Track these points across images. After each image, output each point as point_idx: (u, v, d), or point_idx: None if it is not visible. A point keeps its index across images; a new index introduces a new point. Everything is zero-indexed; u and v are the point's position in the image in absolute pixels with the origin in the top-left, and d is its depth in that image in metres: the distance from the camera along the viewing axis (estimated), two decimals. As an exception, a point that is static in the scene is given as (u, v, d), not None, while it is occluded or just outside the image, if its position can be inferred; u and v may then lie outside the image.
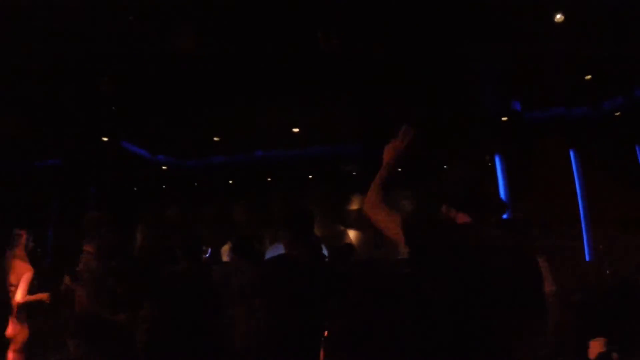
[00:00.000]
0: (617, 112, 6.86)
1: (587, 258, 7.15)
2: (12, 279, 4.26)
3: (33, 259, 4.52)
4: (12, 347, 4.21)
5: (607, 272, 4.95)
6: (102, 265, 3.12)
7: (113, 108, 6.78)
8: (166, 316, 2.66)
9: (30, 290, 4.28)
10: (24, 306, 4.25)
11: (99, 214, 3.28)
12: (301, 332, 2.58)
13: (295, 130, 8.11)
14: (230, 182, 11.32)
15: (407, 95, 6.22)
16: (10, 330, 4.19)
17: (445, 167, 7.64)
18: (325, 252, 5.57)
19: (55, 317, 3.68)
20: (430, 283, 1.69)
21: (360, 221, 10.82)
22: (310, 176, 10.87)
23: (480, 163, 8.12)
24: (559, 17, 4.52)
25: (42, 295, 4.31)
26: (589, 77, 6.02)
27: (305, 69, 5.57)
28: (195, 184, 11.24)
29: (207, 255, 8.00)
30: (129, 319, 3.09)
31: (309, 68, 5.53)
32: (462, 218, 1.74)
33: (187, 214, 11.09)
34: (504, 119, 7.14)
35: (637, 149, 7.20)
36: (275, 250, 6.48)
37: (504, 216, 3.38)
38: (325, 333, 3.31)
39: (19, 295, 4.22)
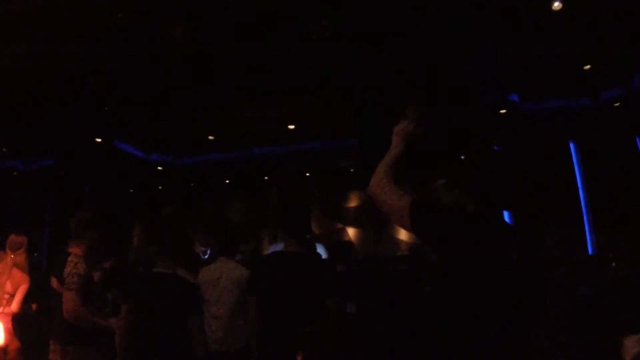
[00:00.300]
0: (616, 102, 6.79)
1: (589, 251, 7.11)
2: (9, 287, 4.17)
3: (30, 263, 4.44)
4: (7, 357, 4.13)
5: (613, 264, 4.89)
6: (90, 268, 3.04)
7: (106, 108, 6.71)
8: (144, 320, 2.60)
9: (26, 298, 4.21)
10: (17, 316, 4.18)
11: (86, 215, 3.18)
12: (289, 328, 2.53)
13: (291, 127, 8.04)
14: (227, 181, 11.25)
15: (403, 89, 6.15)
16: (4, 340, 4.11)
17: (450, 156, 7.56)
18: (319, 249, 5.53)
19: (47, 325, 3.61)
20: (432, 275, 1.65)
21: (358, 218, 10.77)
22: (307, 173, 10.80)
23: (490, 154, 8.04)
24: (556, 5, 4.45)
25: (34, 306, 4.24)
26: (587, 67, 5.95)
27: (299, 65, 5.50)
28: (192, 183, 11.16)
29: (206, 257, 7.91)
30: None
31: (303, 64, 5.46)
32: (469, 207, 1.68)
33: (184, 214, 11.02)
34: (502, 111, 7.07)
35: (637, 139, 7.14)
36: (275, 248, 6.42)
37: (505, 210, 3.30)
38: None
39: (14, 306, 4.14)
